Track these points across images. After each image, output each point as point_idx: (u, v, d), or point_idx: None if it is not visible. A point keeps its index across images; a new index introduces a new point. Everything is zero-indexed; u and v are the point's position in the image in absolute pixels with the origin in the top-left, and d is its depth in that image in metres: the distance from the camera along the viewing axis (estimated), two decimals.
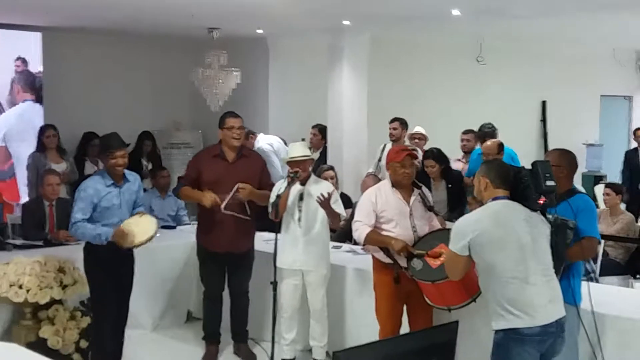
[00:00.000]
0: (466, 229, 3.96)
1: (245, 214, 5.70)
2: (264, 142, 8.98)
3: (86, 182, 5.29)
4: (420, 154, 7.68)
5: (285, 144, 9.09)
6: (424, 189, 5.27)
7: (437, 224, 5.23)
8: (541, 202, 4.05)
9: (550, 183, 4.02)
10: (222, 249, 5.80)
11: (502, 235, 3.91)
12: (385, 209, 5.07)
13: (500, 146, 7.29)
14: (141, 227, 5.28)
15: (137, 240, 5.21)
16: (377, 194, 5.15)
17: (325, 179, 6.79)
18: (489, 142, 7.42)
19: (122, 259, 5.37)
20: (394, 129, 8.22)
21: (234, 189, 5.57)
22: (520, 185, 4.04)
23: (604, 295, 4.70)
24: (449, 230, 5.00)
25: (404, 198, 5.11)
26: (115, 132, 5.39)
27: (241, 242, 5.84)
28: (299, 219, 5.56)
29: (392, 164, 5.13)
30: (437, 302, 4.77)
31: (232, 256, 5.84)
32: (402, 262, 4.95)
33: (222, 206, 5.58)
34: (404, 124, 8.24)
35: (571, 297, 4.20)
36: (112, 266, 5.29)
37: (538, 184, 4.01)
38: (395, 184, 5.13)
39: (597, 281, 6.01)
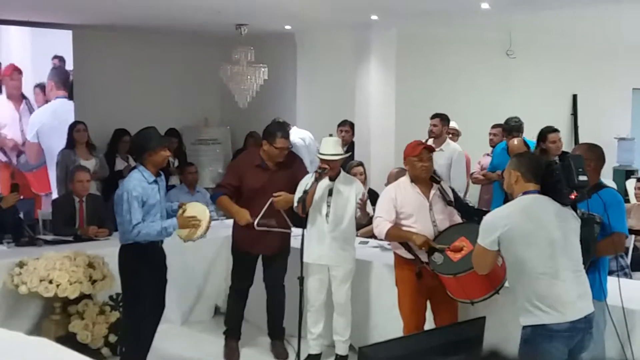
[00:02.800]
0: (496, 223, 3.90)
1: (286, 225, 5.69)
2: (296, 135, 8.97)
3: (132, 182, 5.15)
4: (454, 151, 7.65)
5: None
6: (443, 183, 5.26)
7: (458, 219, 5.19)
8: (573, 197, 3.99)
9: (582, 178, 3.96)
10: (256, 250, 5.86)
11: (533, 231, 3.86)
12: (405, 204, 5.08)
13: (525, 143, 7.22)
14: (197, 212, 5.31)
15: (204, 225, 5.26)
16: (397, 190, 5.15)
17: (354, 174, 6.76)
18: (515, 142, 7.27)
19: (159, 255, 5.38)
20: (434, 125, 7.95)
21: (267, 204, 5.57)
22: (551, 179, 3.97)
23: (634, 291, 4.64)
24: (469, 223, 5.00)
25: (424, 193, 5.11)
26: (153, 126, 5.36)
27: (275, 245, 5.82)
28: (327, 215, 5.55)
29: (409, 159, 5.13)
30: (460, 296, 4.75)
31: (266, 256, 5.91)
32: (423, 257, 4.94)
33: (255, 223, 5.61)
34: (445, 119, 7.95)
35: (598, 293, 4.17)
36: (151, 263, 5.29)
37: (570, 179, 3.94)
38: (414, 179, 5.13)
39: (630, 277, 5.93)
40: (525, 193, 3.98)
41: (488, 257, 4.00)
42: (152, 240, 5.18)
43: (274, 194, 5.58)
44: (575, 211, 4.04)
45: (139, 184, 5.14)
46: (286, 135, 5.77)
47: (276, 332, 6.07)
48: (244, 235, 5.86)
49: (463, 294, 4.71)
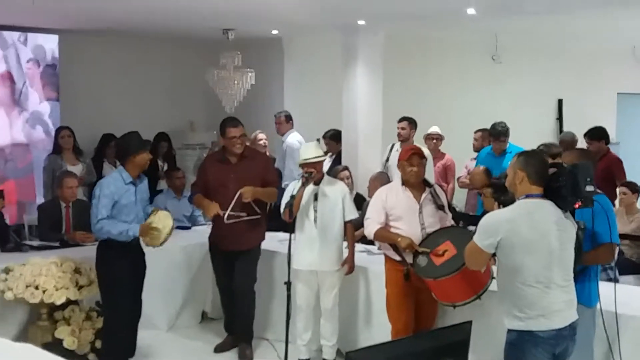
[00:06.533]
0: (498, 227, 3.80)
1: (255, 213, 5.79)
2: (294, 139, 8.96)
3: (106, 180, 5.40)
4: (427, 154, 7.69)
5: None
6: (437, 188, 5.32)
7: (449, 224, 5.24)
8: (577, 206, 3.90)
9: (589, 188, 3.85)
10: (226, 247, 5.93)
11: (534, 239, 3.79)
12: (395, 206, 5.17)
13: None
14: (161, 223, 5.45)
15: (163, 236, 5.41)
16: (388, 192, 5.26)
17: (341, 179, 6.79)
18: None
19: (135, 254, 5.48)
20: (402, 128, 8.10)
21: (236, 197, 5.67)
22: (556, 183, 3.87)
23: (620, 295, 4.65)
24: (456, 227, 5.04)
25: (415, 196, 5.18)
26: (135, 131, 5.52)
27: (245, 240, 5.90)
28: (315, 220, 5.56)
29: (401, 163, 5.25)
30: (443, 299, 4.83)
31: (236, 253, 5.93)
32: (409, 259, 5.01)
33: (225, 217, 5.71)
34: (412, 123, 8.12)
35: (587, 299, 4.17)
36: (127, 262, 5.39)
37: (577, 188, 3.84)
38: (405, 182, 5.21)
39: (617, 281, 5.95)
40: (527, 195, 3.88)
41: (482, 257, 3.95)
42: (113, 238, 5.28)
43: (241, 189, 5.67)
44: (574, 217, 3.98)
45: (113, 182, 5.34)
46: (235, 125, 5.89)
47: (242, 334, 6.11)
48: (215, 233, 6.00)
49: (446, 297, 4.79)
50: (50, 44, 9.24)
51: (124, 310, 5.44)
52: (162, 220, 5.47)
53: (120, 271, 5.37)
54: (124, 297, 5.41)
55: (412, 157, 5.17)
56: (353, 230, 5.73)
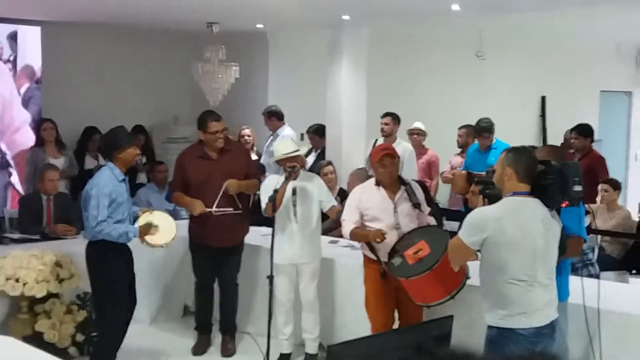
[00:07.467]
0: (485, 225, 3.80)
1: (237, 207, 5.75)
2: (289, 131, 8.91)
3: (103, 179, 5.19)
4: (406, 151, 7.67)
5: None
6: (414, 185, 5.27)
7: (426, 221, 5.17)
8: (564, 205, 3.90)
9: (578, 188, 3.85)
10: (212, 243, 5.86)
11: (520, 238, 3.79)
12: (369, 206, 5.14)
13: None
14: (160, 223, 5.39)
15: (165, 239, 5.36)
16: (362, 192, 5.23)
17: (325, 174, 6.84)
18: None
19: (127, 251, 5.42)
20: (386, 124, 8.07)
21: (222, 189, 5.63)
22: (544, 180, 3.86)
23: (600, 291, 4.69)
24: (432, 227, 5.00)
25: (389, 195, 5.14)
26: (121, 125, 5.47)
27: (231, 236, 5.89)
28: (295, 214, 5.56)
29: (373, 164, 5.22)
30: (416, 299, 4.77)
31: (223, 250, 5.90)
32: (384, 258, 4.98)
33: (213, 211, 5.65)
34: (396, 119, 8.11)
35: (557, 294, 4.19)
36: (122, 261, 5.35)
37: (566, 188, 3.83)
38: (379, 182, 5.18)
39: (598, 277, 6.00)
40: (515, 193, 3.87)
41: (466, 252, 3.95)
42: (112, 240, 5.19)
43: (226, 181, 5.63)
44: (559, 215, 3.98)
45: (110, 181, 5.20)
46: (217, 119, 5.82)
47: (227, 328, 6.11)
48: (200, 228, 5.89)
49: (419, 297, 4.74)
50: (37, 61, 9.16)
51: (123, 308, 5.39)
52: (162, 222, 5.43)
53: (118, 272, 5.31)
54: (123, 296, 5.36)
55: (383, 159, 5.11)
56: (337, 212, 5.71)
